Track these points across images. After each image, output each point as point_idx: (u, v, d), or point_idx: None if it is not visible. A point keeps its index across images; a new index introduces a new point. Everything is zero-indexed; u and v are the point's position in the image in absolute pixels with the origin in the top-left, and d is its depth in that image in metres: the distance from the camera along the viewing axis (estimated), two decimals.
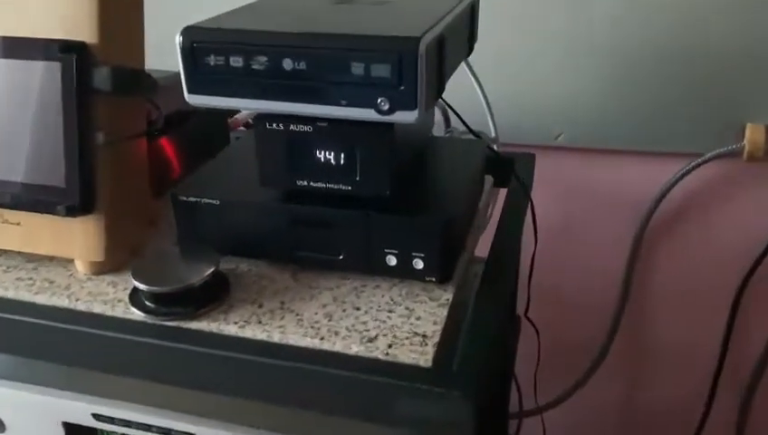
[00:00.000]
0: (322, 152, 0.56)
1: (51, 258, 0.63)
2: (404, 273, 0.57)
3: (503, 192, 0.81)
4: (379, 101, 0.49)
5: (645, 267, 1.11)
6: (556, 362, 1.16)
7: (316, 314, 0.55)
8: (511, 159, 0.84)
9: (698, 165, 0.99)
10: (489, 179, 0.80)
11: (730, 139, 0.96)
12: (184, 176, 0.76)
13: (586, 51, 0.96)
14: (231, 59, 0.51)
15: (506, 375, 0.94)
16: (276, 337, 0.53)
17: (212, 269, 0.55)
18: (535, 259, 0.85)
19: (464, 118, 0.79)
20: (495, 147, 0.96)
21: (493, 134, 0.96)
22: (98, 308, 0.57)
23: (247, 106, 0.52)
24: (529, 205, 0.78)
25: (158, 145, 0.75)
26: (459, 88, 0.75)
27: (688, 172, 1.00)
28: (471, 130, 0.76)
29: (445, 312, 0.55)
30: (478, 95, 0.92)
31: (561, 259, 1.12)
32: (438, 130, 0.88)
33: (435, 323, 0.54)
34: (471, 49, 0.69)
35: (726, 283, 1.08)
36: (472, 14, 0.66)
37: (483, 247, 0.69)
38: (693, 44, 0.93)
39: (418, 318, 0.54)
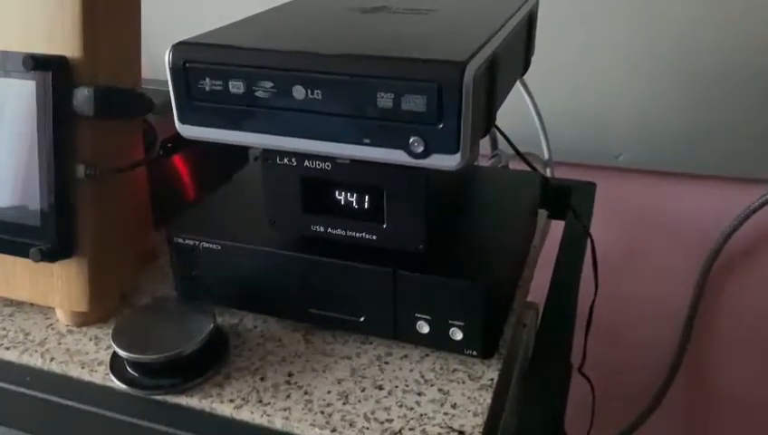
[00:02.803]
0: (342, 194, 0.46)
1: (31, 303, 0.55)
2: (438, 343, 0.47)
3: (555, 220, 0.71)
4: (411, 141, 0.39)
5: (710, 308, 0.98)
6: (603, 407, 1.04)
7: (329, 392, 0.45)
8: (567, 190, 0.73)
9: None
10: (543, 213, 0.69)
11: None
12: (199, 197, 0.68)
13: (652, 62, 0.84)
14: (230, 84, 0.41)
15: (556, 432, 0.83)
16: (279, 423, 0.43)
17: (206, 333, 0.46)
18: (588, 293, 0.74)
19: (513, 133, 0.68)
20: (548, 169, 0.85)
21: (546, 155, 0.85)
22: (74, 371, 0.48)
23: (249, 141, 0.42)
24: (588, 242, 0.67)
25: (169, 164, 0.67)
26: (508, 101, 0.64)
27: (767, 202, 0.87)
28: (524, 159, 0.65)
29: (488, 398, 0.44)
30: (530, 109, 0.81)
31: (617, 295, 1.00)
32: (483, 146, 0.77)
33: (475, 413, 0.43)
34: (527, 66, 0.58)
35: None
36: (530, 24, 0.55)
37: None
38: None
39: (454, 406, 0.44)
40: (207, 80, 0.41)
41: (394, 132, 0.39)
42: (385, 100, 0.38)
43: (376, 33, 0.45)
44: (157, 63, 0.57)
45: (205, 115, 0.42)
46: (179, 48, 0.42)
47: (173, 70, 0.42)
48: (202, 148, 0.68)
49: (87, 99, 0.47)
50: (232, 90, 0.41)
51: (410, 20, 0.48)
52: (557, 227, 0.71)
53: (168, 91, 0.58)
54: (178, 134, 0.60)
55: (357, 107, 0.39)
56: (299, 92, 0.40)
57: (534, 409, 0.45)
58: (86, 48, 0.48)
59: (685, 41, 0.82)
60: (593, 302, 0.71)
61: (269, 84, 0.40)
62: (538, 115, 0.82)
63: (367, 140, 0.40)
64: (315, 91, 0.39)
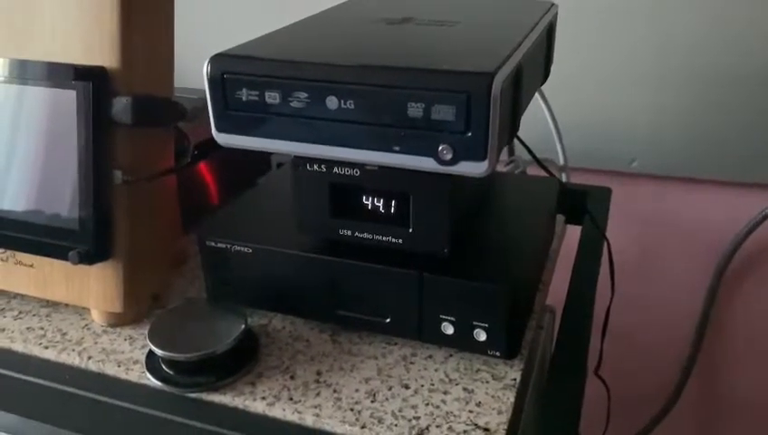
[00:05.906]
0: (370, 199, 0.48)
1: (66, 304, 0.57)
2: (462, 344, 0.49)
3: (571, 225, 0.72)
4: (440, 148, 0.40)
5: (723, 311, 0.99)
6: (618, 409, 1.05)
7: (357, 391, 0.47)
8: (583, 195, 0.74)
9: None
10: (559, 218, 0.70)
11: None
12: (223, 202, 0.70)
13: (665, 69, 0.85)
14: (267, 94, 0.43)
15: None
16: (309, 420, 0.45)
17: (238, 333, 0.48)
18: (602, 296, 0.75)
19: (529, 139, 0.69)
20: (564, 175, 0.87)
21: (561, 161, 0.87)
22: (110, 370, 0.50)
23: (284, 149, 0.44)
24: (605, 247, 0.69)
25: (195, 170, 0.69)
26: None
27: None
28: (541, 165, 0.66)
29: (511, 397, 0.46)
30: (545, 115, 0.83)
31: (631, 298, 1.01)
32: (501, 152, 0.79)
33: (499, 411, 0.45)
34: (547, 75, 0.59)
35: None
36: (549, 34, 0.56)
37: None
38: None
39: (479, 404, 0.45)
40: (244, 90, 0.43)
41: (424, 140, 0.41)
42: (415, 109, 0.40)
43: (405, 45, 0.47)
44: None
45: (241, 124, 0.44)
46: (218, 60, 0.43)
47: (211, 81, 0.43)
48: (226, 154, 0.71)
49: (125, 108, 0.49)
50: (268, 100, 0.43)
51: (436, 32, 0.49)
52: (571, 231, 0.72)
53: (195, 99, 0.60)
54: (204, 141, 0.62)
55: (388, 116, 0.41)
56: (332, 102, 0.41)
57: (553, 411, 0.46)
58: (124, 59, 0.50)
59: (697, 47, 0.83)
60: (609, 306, 0.72)
61: (304, 95, 0.42)
62: (554, 121, 0.84)
63: (397, 148, 0.41)
64: (348, 102, 0.41)
